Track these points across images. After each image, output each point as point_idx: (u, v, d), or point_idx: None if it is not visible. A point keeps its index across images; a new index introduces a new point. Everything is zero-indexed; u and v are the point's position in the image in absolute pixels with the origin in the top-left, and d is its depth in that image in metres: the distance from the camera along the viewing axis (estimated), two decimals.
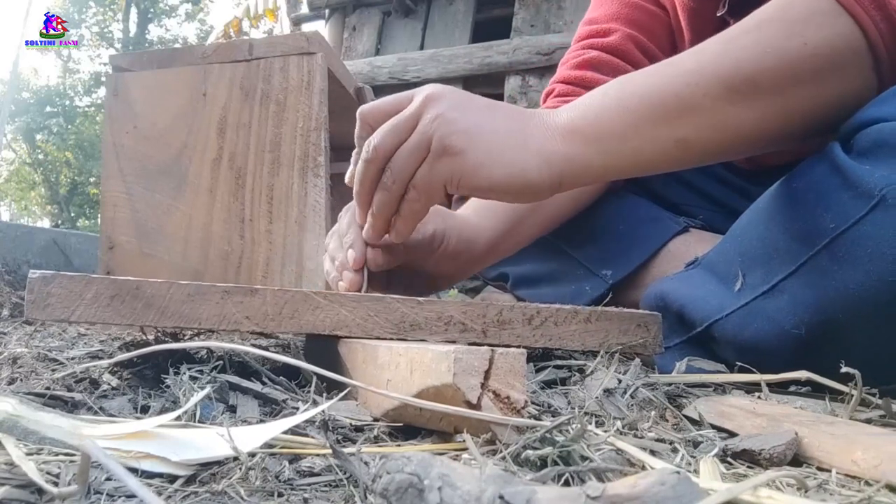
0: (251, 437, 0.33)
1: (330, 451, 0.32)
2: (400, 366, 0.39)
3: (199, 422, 0.38)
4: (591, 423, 0.41)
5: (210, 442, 0.32)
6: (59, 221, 13.26)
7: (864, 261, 0.51)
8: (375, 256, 0.62)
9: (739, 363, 0.56)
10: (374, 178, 0.58)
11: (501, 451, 0.32)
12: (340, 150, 1.50)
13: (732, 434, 0.41)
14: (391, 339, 0.50)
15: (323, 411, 0.37)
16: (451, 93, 0.57)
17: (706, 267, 0.68)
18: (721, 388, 0.54)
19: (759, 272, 0.60)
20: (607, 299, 0.84)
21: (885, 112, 0.54)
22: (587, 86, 0.91)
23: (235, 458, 0.31)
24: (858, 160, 0.54)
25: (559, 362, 0.56)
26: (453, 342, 0.51)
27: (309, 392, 0.44)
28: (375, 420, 0.41)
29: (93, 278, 0.48)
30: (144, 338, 0.62)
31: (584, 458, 0.31)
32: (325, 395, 0.44)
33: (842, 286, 0.52)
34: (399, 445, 0.37)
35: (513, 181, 0.55)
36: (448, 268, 0.70)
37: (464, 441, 0.33)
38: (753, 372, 0.54)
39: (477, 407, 0.34)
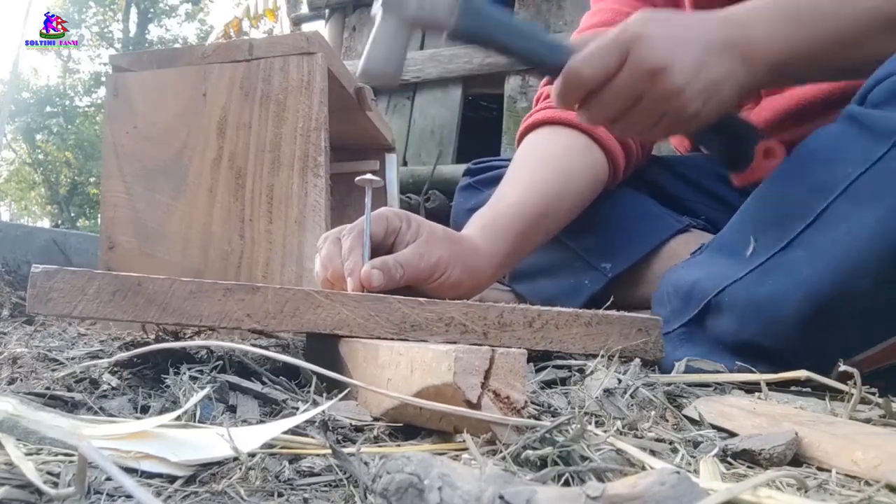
0: (251, 437, 0.33)
1: (330, 451, 0.32)
2: (400, 365, 0.39)
3: (199, 422, 0.38)
4: (591, 424, 0.41)
5: (210, 442, 0.32)
6: (59, 221, 13.25)
7: (883, 196, 0.52)
8: (370, 279, 0.59)
9: (739, 363, 0.56)
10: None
11: (501, 451, 0.32)
12: (340, 150, 1.51)
13: (732, 434, 0.41)
14: (392, 339, 0.50)
15: (323, 411, 0.37)
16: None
17: (713, 248, 0.68)
18: (721, 388, 0.54)
19: (774, 232, 0.60)
20: (608, 302, 0.84)
21: None
22: None
23: (235, 458, 0.31)
24: (875, 110, 0.56)
25: (559, 362, 0.56)
26: (454, 343, 0.51)
27: (309, 392, 0.44)
28: (375, 420, 0.41)
29: (95, 273, 0.48)
30: (145, 337, 0.62)
31: (584, 459, 0.31)
32: (325, 395, 0.43)
33: (858, 225, 0.53)
34: (399, 445, 0.37)
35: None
36: (447, 294, 0.68)
37: (464, 441, 0.33)
38: (753, 372, 0.54)
39: (477, 406, 0.34)
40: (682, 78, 0.61)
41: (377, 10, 0.62)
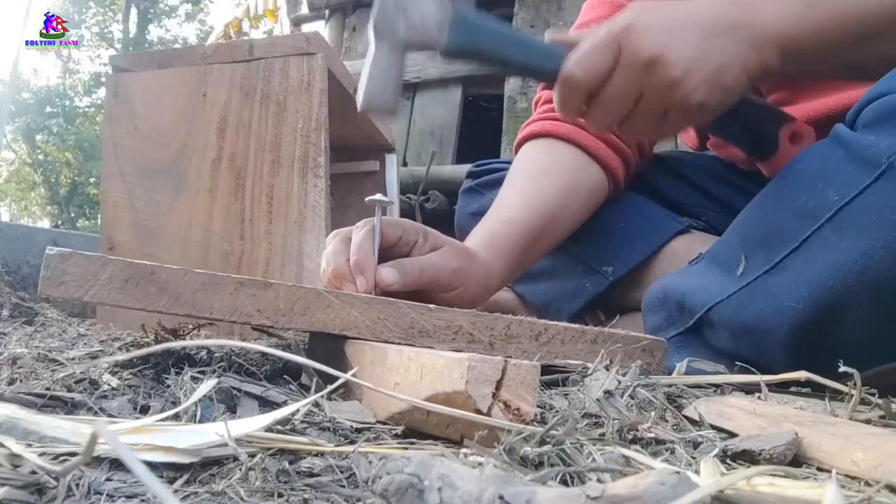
0: (246, 426, 0.33)
1: (330, 450, 0.32)
2: (410, 370, 0.39)
3: (200, 422, 0.38)
4: (591, 425, 0.41)
5: (209, 434, 0.32)
6: (59, 222, 13.25)
7: (869, 229, 0.51)
8: (383, 277, 0.59)
9: (739, 363, 0.56)
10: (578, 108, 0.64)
11: (501, 452, 0.32)
12: (340, 150, 1.50)
13: (732, 434, 0.41)
14: (399, 343, 0.50)
15: (322, 406, 0.37)
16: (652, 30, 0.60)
17: (709, 259, 0.68)
18: (721, 389, 0.54)
19: (762, 253, 0.59)
20: (614, 320, 0.84)
21: (892, 85, 0.54)
22: None
23: (235, 459, 0.31)
24: (863, 133, 0.54)
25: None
26: (460, 352, 0.51)
27: (310, 394, 0.44)
28: (379, 423, 0.40)
29: (109, 259, 0.48)
30: (145, 337, 0.62)
31: (578, 459, 0.31)
32: (324, 395, 0.43)
33: (843, 257, 0.52)
34: (401, 445, 0.37)
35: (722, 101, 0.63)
36: (457, 306, 0.70)
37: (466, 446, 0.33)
38: (753, 372, 0.54)
39: (486, 416, 0.34)
40: (679, 67, 0.59)
41: (369, 37, 0.62)
